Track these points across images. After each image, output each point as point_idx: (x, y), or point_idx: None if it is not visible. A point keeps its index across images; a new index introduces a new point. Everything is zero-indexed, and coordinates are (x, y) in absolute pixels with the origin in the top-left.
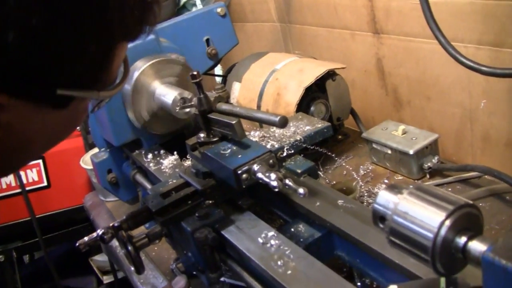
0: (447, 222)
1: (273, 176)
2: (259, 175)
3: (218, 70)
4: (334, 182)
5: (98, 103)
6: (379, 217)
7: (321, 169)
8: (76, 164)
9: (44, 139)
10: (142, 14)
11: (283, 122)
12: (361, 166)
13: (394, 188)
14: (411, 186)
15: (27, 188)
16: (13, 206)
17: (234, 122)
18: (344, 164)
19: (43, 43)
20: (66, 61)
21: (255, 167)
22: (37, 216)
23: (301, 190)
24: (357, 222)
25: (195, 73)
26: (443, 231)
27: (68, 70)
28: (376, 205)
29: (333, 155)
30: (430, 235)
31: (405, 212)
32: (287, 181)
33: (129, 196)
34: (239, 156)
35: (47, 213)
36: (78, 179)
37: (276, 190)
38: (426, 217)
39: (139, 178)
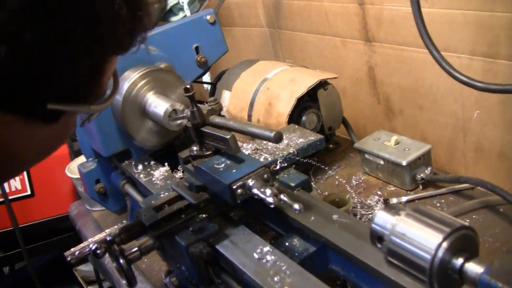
0: (444, 244)
1: (268, 192)
2: (255, 191)
3: (206, 76)
4: (326, 193)
5: (88, 117)
6: (377, 237)
7: (313, 179)
8: (61, 172)
9: (33, 153)
10: (133, 27)
11: (278, 138)
12: (353, 177)
13: (391, 208)
14: (408, 208)
15: (10, 197)
16: None
17: (228, 136)
18: (335, 174)
19: (35, 58)
20: (57, 76)
21: (250, 182)
22: (20, 226)
23: (296, 206)
24: (352, 237)
25: (188, 86)
26: (440, 253)
27: (60, 85)
28: (374, 225)
29: (326, 167)
30: (428, 256)
31: (403, 234)
32: (282, 196)
33: (118, 206)
34: (234, 170)
35: (31, 223)
36: (62, 188)
37: (272, 206)
38: (424, 238)
39: (129, 189)
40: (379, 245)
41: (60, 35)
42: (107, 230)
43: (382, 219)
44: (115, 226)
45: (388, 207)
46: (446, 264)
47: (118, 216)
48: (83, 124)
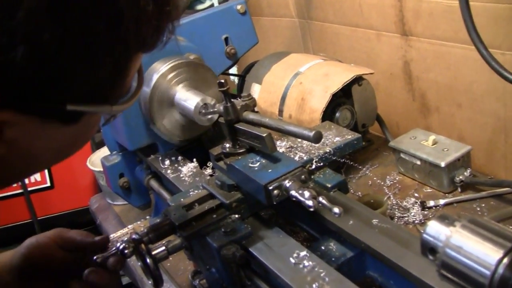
0: (505, 260)
1: (307, 194)
2: (293, 192)
3: (233, 68)
4: (360, 193)
5: (111, 117)
6: (429, 249)
7: (345, 178)
8: (82, 164)
9: (51, 155)
10: (160, 23)
11: (318, 138)
12: (387, 176)
13: (445, 219)
14: (463, 219)
15: (29, 189)
16: (14, 207)
17: (265, 135)
18: (369, 173)
19: (54, 58)
20: (77, 76)
21: (287, 183)
22: (38, 218)
23: (336, 210)
24: (394, 243)
25: (222, 81)
26: (501, 269)
27: (80, 85)
28: (425, 236)
29: (358, 166)
30: (487, 272)
31: (459, 246)
32: (321, 199)
33: (141, 201)
34: (269, 170)
35: (50, 215)
36: (83, 180)
37: (312, 209)
38: (482, 253)
39: (154, 184)
40: (431, 257)
41: (79, 34)
42: (129, 226)
43: (435, 229)
44: (138, 222)
45: (441, 217)
46: (506, 281)
47: (141, 211)
48: (106, 123)
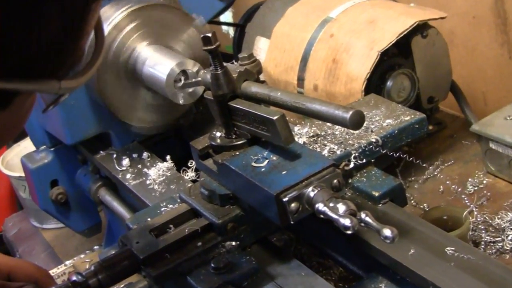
0: None
1: (342, 208)
2: (320, 206)
3: (227, 14)
4: (426, 205)
5: (56, 98)
6: None
7: (402, 183)
8: None
9: None
10: None
11: (357, 122)
12: (470, 179)
13: None
14: None
15: None
16: None
17: (276, 117)
18: (439, 174)
19: None
20: (7, 39)
21: (311, 192)
22: None
23: (387, 232)
24: (481, 285)
25: (209, 34)
26: None
27: (11, 52)
28: None
29: (423, 163)
30: None
31: None
32: (363, 216)
33: (86, 224)
34: (284, 172)
35: None
36: None
37: (349, 232)
38: None
39: (107, 196)
40: None
41: None
42: (67, 262)
43: None
44: (81, 256)
45: None
46: None
47: (85, 239)
48: (47, 109)
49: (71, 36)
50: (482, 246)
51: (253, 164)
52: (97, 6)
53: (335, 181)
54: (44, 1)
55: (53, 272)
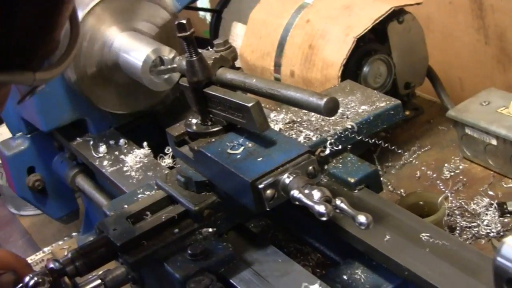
0: None
1: (317, 195)
2: (295, 193)
3: (205, 2)
4: (403, 191)
5: (31, 90)
6: (506, 279)
7: (379, 168)
8: None
9: None
10: None
11: (331, 108)
12: (446, 164)
13: None
14: None
15: None
16: None
17: (251, 104)
18: (415, 160)
19: None
20: None
21: (287, 178)
22: None
23: (362, 219)
24: (454, 270)
25: (183, 21)
26: None
27: None
28: (500, 260)
29: (398, 149)
30: None
31: None
32: (339, 202)
33: (63, 211)
34: (259, 159)
35: None
36: None
37: (324, 218)
38: None
39: (83, 183)
40: None
41: None
42: (45, 249)
43: None
44: (59, 242)
45: None
46: None
47: (63, 225)
48: (24, 99)
49: (46, 28)
50: (458, 231)
51: (229, 151)
52: None
53: (310, 167)
54: None
55: (31, 259)
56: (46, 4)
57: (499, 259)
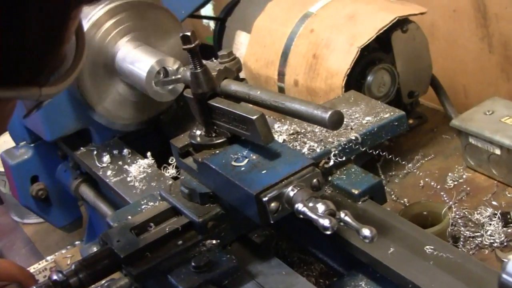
0: None
1: (321, 208)
2: (299, 206)
3: (208, 8)
4: (406, 201)
5: (37, 104)
6: None
7: (382, 178)
8: None
9: None
10: None
11: (336, 122)
12: (450, 174)
13: None
14: None
15: None
16: None
17: (255, 117)
18: (419, 169)
19: None
20: None
21: (291, 191)
22: None
23: (366, 232)
24: (459, 283)
25: (188, 33)
26: None
27: None
28: (505, 277)
29: (402, 161)
30: None
31: None
32: (343, 215)
33: (67, 219)
34: (263, 172)
35: None
36: None
37: (328, 232)
38: None
39: (87, 192)
40: None
41: None
42: (48, 258)
43: None
44: (62, 251)
45: None
46: None
47: (66, 234)
48: (30, 113)
49: (52, 43)
50: (462, 241)
51: (233, 163)
52: (77, 12)
53: (314, 180)
54: (25, 8)
55: (34, 267)
56: (53, 19)
57: (504, 276)
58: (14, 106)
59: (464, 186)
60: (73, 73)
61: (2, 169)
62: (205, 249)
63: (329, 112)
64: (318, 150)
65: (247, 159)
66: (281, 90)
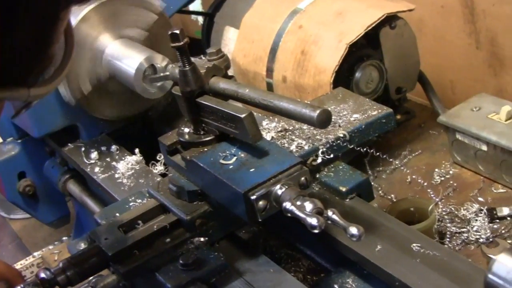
0: None
1: (309, 206)
2: (287, 205)
3: (196, 3)
4: (393, 197)
5: (26, 105)
6: None
7: (370, 173)
8: None
9: None
10: None
11: (324, 121)
12: (436, 170)
13: None
14: None
15: None
16: None
17: (243, 115)
18: (406, 165)
19: None
20: None
21: (279, 189)
22: None
23: (354, 230)
24: (445, 281)
25: (177, 31)
26: None
27: None
28: (491, 277)
29: (389, 158)
30: None
31: None
32: (330, 214)
33: (54, 215)
34: (251, 170)
35: None
36: None
37: (316, 231)
38: None
39: (75, 189)
40: None
41: None
42: (36, 253)
43: (505, 267)
44: (50, 247)
45: None
46: None
47: (53, 230)
48: (18, 114)
49: (41, 44)
50: (448, 237)
51: (221, 161)
52: (67, 13)
53: (302, 178)
54: (15, 10)
55: (21, 263)
56: (43, 20)
57: (490, 276)
58: (2, 107)
59: (451, 182)
60: (61, 73)
61: None
62: (193, 246)
63: (318, 111)
64: (306, 147)
65: (235, 157)
66: (270, 86)
